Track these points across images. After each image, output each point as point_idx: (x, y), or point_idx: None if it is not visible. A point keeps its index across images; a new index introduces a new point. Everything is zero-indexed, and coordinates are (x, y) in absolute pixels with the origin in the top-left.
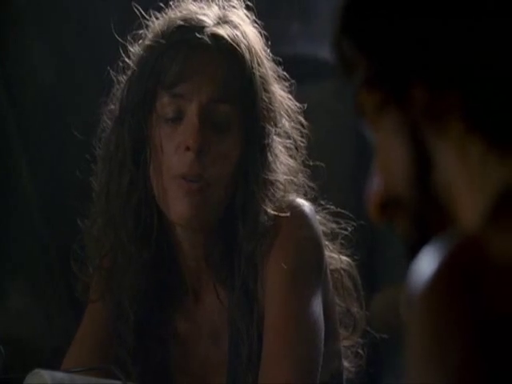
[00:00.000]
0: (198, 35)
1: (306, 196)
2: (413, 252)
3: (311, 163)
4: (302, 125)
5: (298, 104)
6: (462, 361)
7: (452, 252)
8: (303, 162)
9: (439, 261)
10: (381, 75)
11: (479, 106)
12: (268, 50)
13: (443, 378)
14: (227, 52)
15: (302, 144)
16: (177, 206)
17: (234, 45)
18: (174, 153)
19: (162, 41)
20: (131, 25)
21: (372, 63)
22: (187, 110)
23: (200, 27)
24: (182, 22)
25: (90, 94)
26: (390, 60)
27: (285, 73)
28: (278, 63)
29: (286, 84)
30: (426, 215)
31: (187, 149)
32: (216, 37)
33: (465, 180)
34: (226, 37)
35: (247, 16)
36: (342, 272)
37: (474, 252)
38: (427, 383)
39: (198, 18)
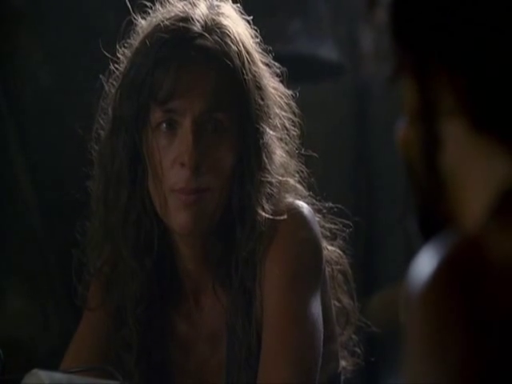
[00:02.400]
0: (187, 51)
1: (302, 195)
2: (419, 224)
3: (309, 161)
4: (295, 113)
5: (289, 92)
6: (460, 360)
7: (452, 252)
8: (300, 159)
9: (439, 260)
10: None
11: (490, 103)
12: (257, 39)
13: (442, 377)
14: (218, 63)
15: (295, 133)
16: (178, 218)
17: (224, 55)
18: (171, 167)
19: (151, 56)
20: (128, 26)
21: (407, 51)
22: (181, 123)
23: (188, 40)
24: (169, 36)
25: (90, 95)
26: (422, 47)
27: (275, 63)
28: (267, 52)
29: (278, 70)
30: (431, 193)
31: (183, 165)
32: (206, 50)
33: (470, 172)
34: (216, 48)
35: (234, 9)
36: (333, 264)
37: (473, 252)
38: (426, 382)
39: (185, 28)
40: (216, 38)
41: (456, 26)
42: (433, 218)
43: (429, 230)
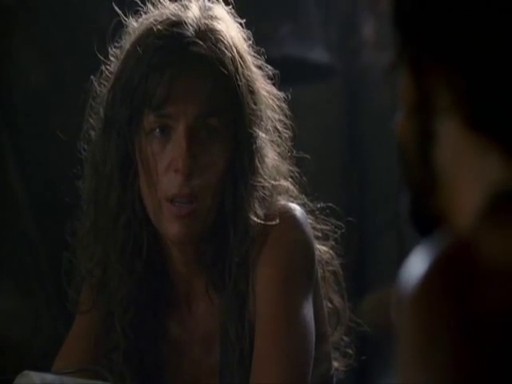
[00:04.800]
0: (181, 58)
1: (294, 198)
2: (412, 219)
3: (300, 162)
4: (286, 115)
5: (280, 94)
6: (453, 362)
7: (443, 253)
8: (292, 160)
9: (430, 262)
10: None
11: (486, 102)
12: (250, 42)
13: (434, 378)
14: (211, 69)
15: (286, 135)
16: (170, 228)
17: (218, 61)
18: (164, 172)
19: (144, 62)
20: (118, 26)
21: (406, 43)
22: (175, 128)
23: (182, 46)
24: (162, 42)
25: (80, 95)
26: (422, 40)
27: (267, 66)
28: (259, 54)
29: (270, 73)
30: (423, 187)
31: (176, 171)
32: (199, 56)
33: (463, 169)
34: (210, 54)
35: (227, 11)
36: (325, 265)
37: (465, 254)
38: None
39: (178, 34)
40: (209, 44)
41: (456, 24)
42: (425, 213)
43: (422, 224)
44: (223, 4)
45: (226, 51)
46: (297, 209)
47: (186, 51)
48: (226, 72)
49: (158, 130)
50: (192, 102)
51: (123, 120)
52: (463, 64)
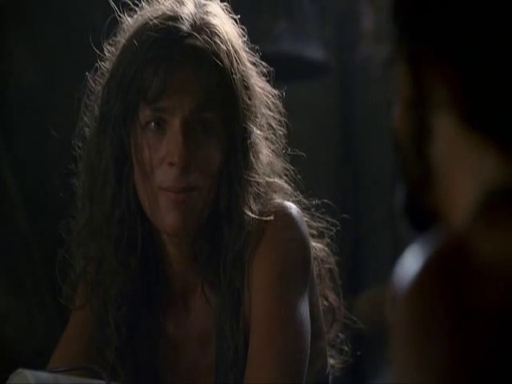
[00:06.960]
0: (177, 51)
1: (289, 195)
2: (408, 213)
3: (296, 160)
4: (281, 113)
5: (275, 91)
6: (447, 360)
7: (437, 252)
8: (286, 158)
9: (425, 260)
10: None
11: (482, 99)
12: (244, 38)
13: (429, 377)
14: (207, 62)
15: (281, 133)
16: (167, 218)
17: (214, 55)
18: (159, 165)
19: (140, 55)
20: (113, 24)
21: (404, 37)
22: (170, 122)
23: (178, 39)
24: (157, 35)
25: (75, 93)
26: (419, 34)
27: (262, 62)
28: (254, 51)
29: (264, 70)
30: (418, 181)
31: (171, 164)
32: (195, 49)
33: (458, 166)
34: (206, 47)
35: (221, 8)
36: (320, 262)
37: (458, 252)
38: (413, 382)
39: (174, 27)
40: (205, 37)
41: (454, 21)
42: (420, 208)
43: (417, 219)
44: (218, 1)
45: (222, 45)
46: (293, 207)
47: (181, 44)
48: (221, 65)
49: (153, 124)
50: (188, 96)
51: (118, 114)
52: (460, 61)
